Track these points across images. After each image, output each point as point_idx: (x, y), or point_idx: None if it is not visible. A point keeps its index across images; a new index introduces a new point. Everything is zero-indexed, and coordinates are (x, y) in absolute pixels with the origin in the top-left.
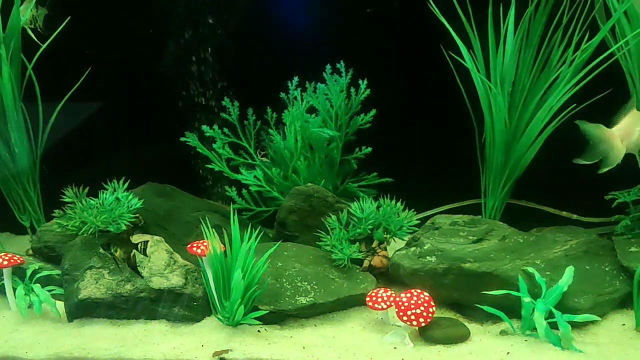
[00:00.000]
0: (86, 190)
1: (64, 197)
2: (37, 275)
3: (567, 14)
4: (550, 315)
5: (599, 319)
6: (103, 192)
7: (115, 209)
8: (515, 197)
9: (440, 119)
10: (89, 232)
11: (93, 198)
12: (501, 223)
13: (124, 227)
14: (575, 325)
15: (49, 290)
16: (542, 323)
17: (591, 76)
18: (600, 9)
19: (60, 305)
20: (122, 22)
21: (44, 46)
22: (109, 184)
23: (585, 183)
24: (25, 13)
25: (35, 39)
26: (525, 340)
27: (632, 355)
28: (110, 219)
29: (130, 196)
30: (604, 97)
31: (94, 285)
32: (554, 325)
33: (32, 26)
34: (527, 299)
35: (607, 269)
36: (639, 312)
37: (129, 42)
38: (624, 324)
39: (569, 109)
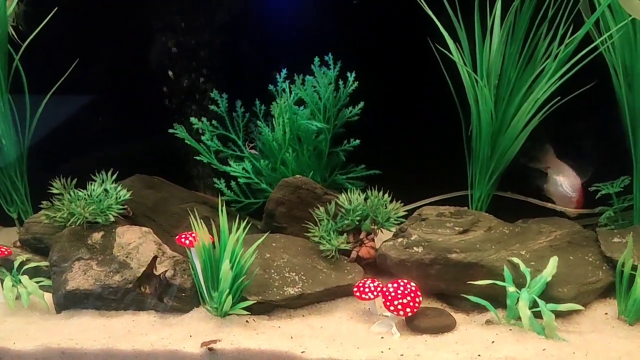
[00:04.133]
0: (74, 181)
1: (51, 188)
2: (25, 267)
3: (552, 7)
4: (534, 304)
5: (582, 308)
6: (91, 184)
7: (104, 200)
8: (501, 189)
9: (427, 111)
10: (77, 224)
11: (81, 190)
12: (487, 214)
13: (112, 219)
14: (559, 315)
15: (37, 282)
16: (526, 312)
17: (576, 69)
18: (585, 3)
19: (48, 296)
20: (109, 14)
21: (30, 37)
22: (98, 175)
23: None
24: (12, 3)
25: (15, 36)
26: (510, 330)
27: (614, 344)
28: (99, 210)
29: (119, 188)
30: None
31: (82, 276)
32: (538, 315)
33: (14, 23)
34: (511, 289)
35: (590, 259)
36: (621, 301)
37: (117, 35)
38: (606, 313)
39: (553, 101)
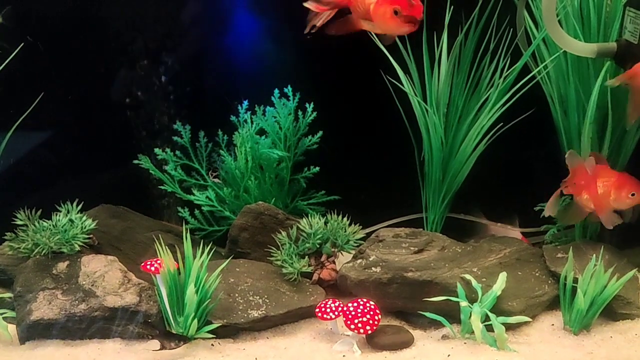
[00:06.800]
0: (39, 212)
1: (15, 220)
2: None
3: (493, 41)
4: (486, 318)
5: (530, 320)
6: (56, 214)
7: (69, 230)
8: (455, 211)
9: (382, 139)
10: (42, 254)
11: (46, 220)
12: (441, 234)
13: (77, 248)
14: (509, 327)
15: (0, 314)
16: (478, 326)
17: (516, 97)
18: (522, 37)
19: (12, 328)
20: (71, 47)
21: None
22: (63, 206)
23: (519, 197)
24: None
25: None
26: (465, 343)
27: (561, 352)
28: (64, 240)
29: (84, 217)
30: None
31: (47, 306)
32: (490, 328)
33: None
34: (464, 304)
35: (537, 274)
36: (566, 312)
37: (80, 67)
38: (552, 324)
39: (497, 127)
